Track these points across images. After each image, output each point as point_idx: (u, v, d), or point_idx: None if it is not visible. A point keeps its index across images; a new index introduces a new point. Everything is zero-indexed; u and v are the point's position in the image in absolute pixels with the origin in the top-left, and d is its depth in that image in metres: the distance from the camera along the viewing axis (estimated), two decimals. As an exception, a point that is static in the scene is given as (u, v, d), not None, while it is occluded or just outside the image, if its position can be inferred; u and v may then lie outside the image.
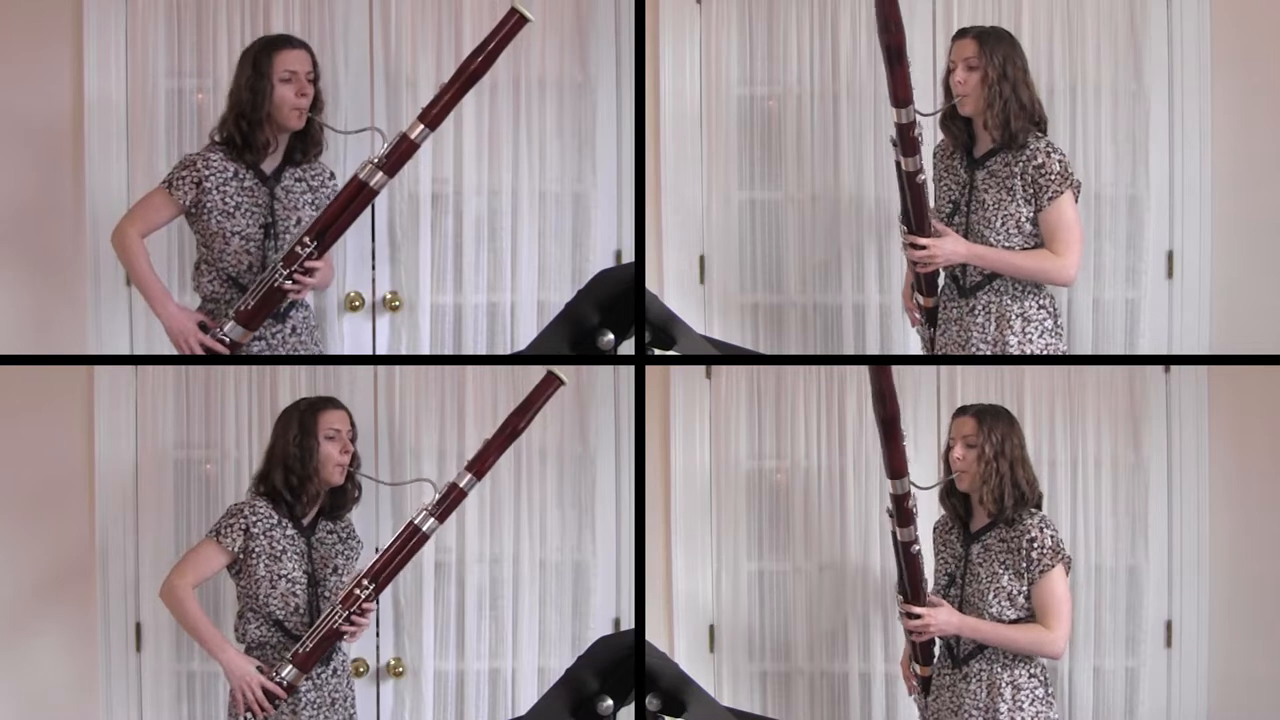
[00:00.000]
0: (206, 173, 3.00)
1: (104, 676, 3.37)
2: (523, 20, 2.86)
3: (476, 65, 2.88)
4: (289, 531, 3.03)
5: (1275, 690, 3.38)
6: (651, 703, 3.05)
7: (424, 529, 2.95)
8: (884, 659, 3.42)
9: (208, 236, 3.03)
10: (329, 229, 2.94)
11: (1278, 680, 3.38)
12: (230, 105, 3.02)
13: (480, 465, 2.96)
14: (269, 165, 3.04)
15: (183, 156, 3.06)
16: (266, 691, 2.96)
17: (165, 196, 3.02)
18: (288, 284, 2.95)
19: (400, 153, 2.91)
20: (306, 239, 2.94)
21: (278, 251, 3.01)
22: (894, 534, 2.93)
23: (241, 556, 3.01)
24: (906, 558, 2.93)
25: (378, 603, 3.03)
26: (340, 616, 2.95)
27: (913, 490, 2.87)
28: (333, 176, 3.14)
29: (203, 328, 3.01)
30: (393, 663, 3.41)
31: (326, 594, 3.04)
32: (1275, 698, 3.38)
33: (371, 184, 2.91)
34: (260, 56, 2.99)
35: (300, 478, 3.01)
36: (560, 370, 2.96)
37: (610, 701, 3.03)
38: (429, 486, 2.99)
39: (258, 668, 2.98)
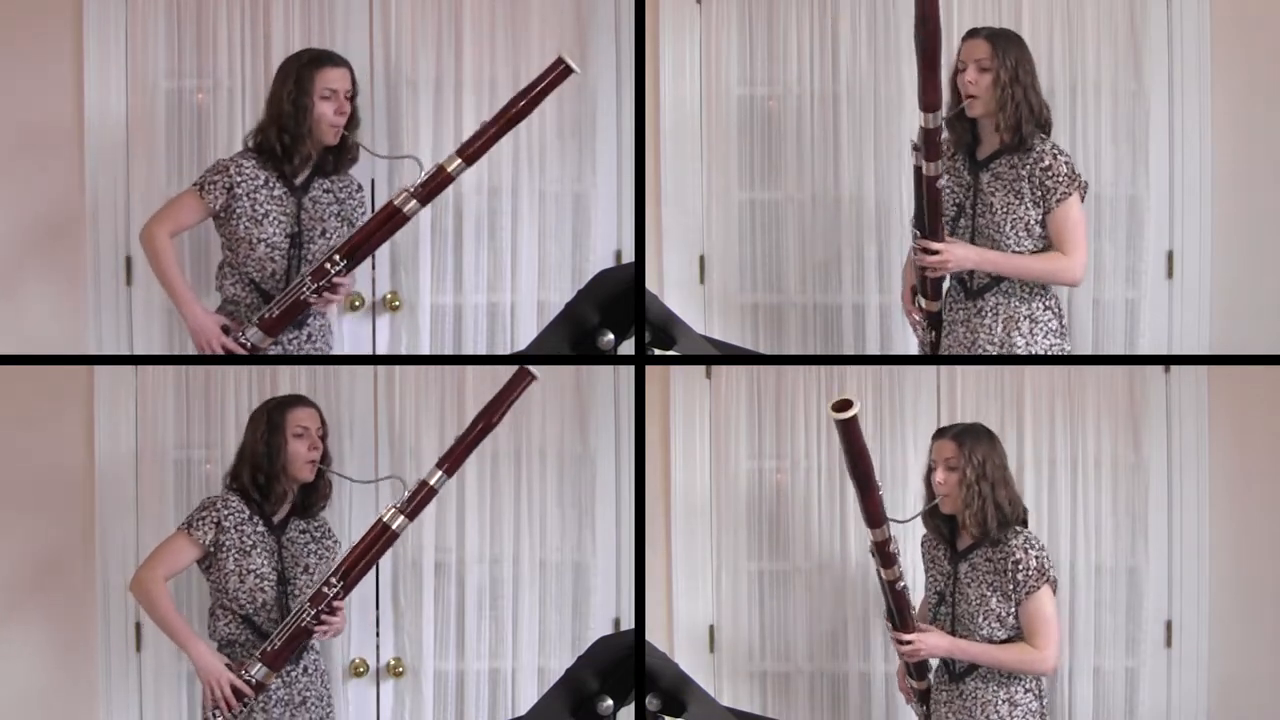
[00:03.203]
0: (238, 179, 3.03)
1: (104, 676, 3.37)
2: (568, 70, 2.90)
3: (519, 109, 2.94)
4: (259, 528, 3.04)
5: (1275, 690, 3.38)
6: (651, 703, 3.05)
7: (393, 527, 2.95)
8: (884, 659, 3.42)
9: (234, 241, 3.06)
10: (359, 249, 2.99)
11: (1278, 680, 3.38)
12: (270, 116, 3.05)
13: (451, 463, 2.96)
14: (299, 176, 3.08)
15: (215, 161, 3.09)
16: (235, 689, 2.96)
17: (196, 199, 3.06)
18: (313, 298, 3.00)
19: (436, 184, 2.96)
20: (336, 256, 2.98)
21: (301, 260, 3.05)
22: (879, 572, 2.95)
23: (212, 550, 3.02)
24: (893, 593, 2.96)
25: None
26: (309, 615, 2.95)
27: (893, 537, 2.89)
28: (360, 189, 3.17)
29: (225, 330, 3.04)
30: (393, 663, 3.41)
31: (296, 593, 3.04)
32: (1275, 698, 3.38)
33: (404, 210, 2.97)
34: (303, 72, 3.03)
35: (268, 475, 3.03)
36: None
37: (610, 701, 3.03)
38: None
39: (227, 664, 2.98)
